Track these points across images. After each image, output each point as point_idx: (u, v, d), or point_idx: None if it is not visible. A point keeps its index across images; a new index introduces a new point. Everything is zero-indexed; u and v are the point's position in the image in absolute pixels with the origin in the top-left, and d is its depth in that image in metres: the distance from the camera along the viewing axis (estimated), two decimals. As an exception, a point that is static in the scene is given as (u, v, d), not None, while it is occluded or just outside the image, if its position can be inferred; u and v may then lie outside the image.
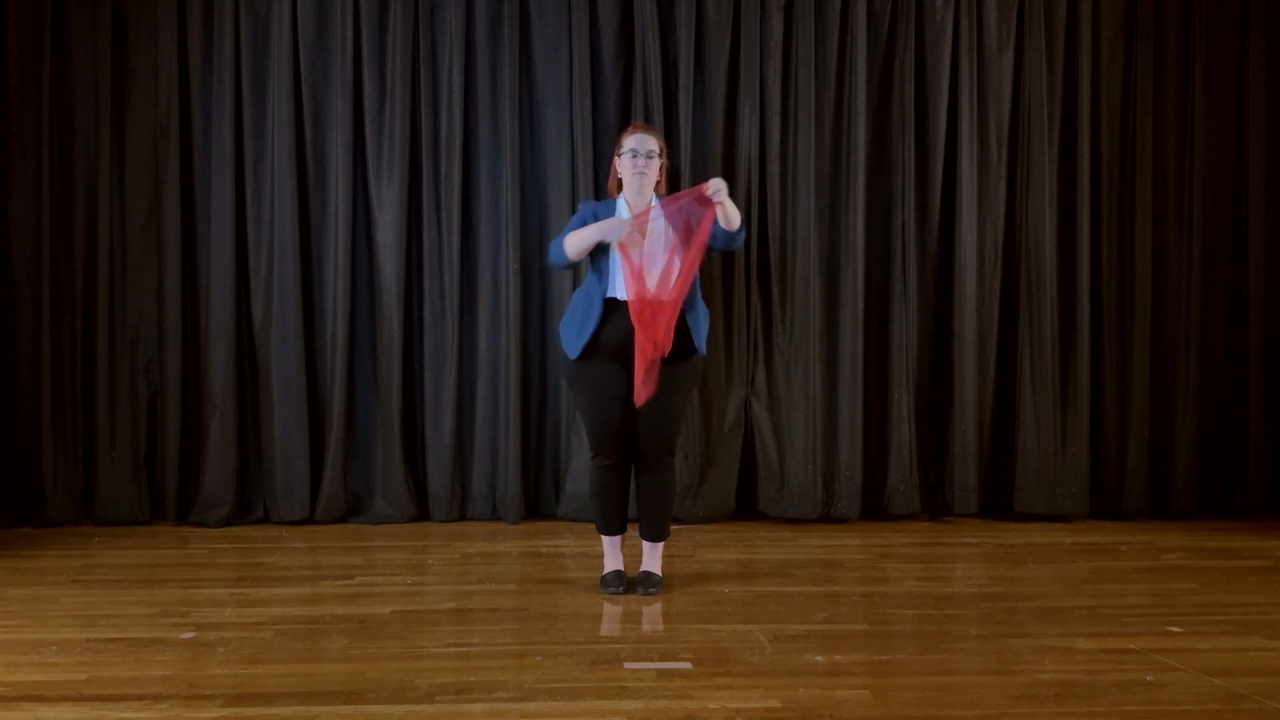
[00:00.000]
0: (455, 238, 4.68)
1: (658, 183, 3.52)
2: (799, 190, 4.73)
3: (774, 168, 4.73)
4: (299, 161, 4.65)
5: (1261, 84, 4.94)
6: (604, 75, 4.71)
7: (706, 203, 3.35)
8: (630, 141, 3.46)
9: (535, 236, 4.74)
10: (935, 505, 4.86)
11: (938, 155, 4.81)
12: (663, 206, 3.41)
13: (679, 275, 3.33)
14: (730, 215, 3.36)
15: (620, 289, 3.37)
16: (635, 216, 3.38)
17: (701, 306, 3.50)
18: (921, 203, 4.82)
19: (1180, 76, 4.95)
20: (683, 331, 3.41)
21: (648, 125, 3.66)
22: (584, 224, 3.44)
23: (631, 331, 3.33)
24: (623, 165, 3.47)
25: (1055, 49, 4.85)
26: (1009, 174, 4.86)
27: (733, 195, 4.69)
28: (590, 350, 3.40)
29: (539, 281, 4.75)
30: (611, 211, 3.47)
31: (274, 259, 4.62)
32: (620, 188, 3.52)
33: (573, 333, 3.44)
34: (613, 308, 3.39)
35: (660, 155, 3.48)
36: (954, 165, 4.81)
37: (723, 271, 4.71)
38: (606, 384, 3.41)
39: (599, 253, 3.42)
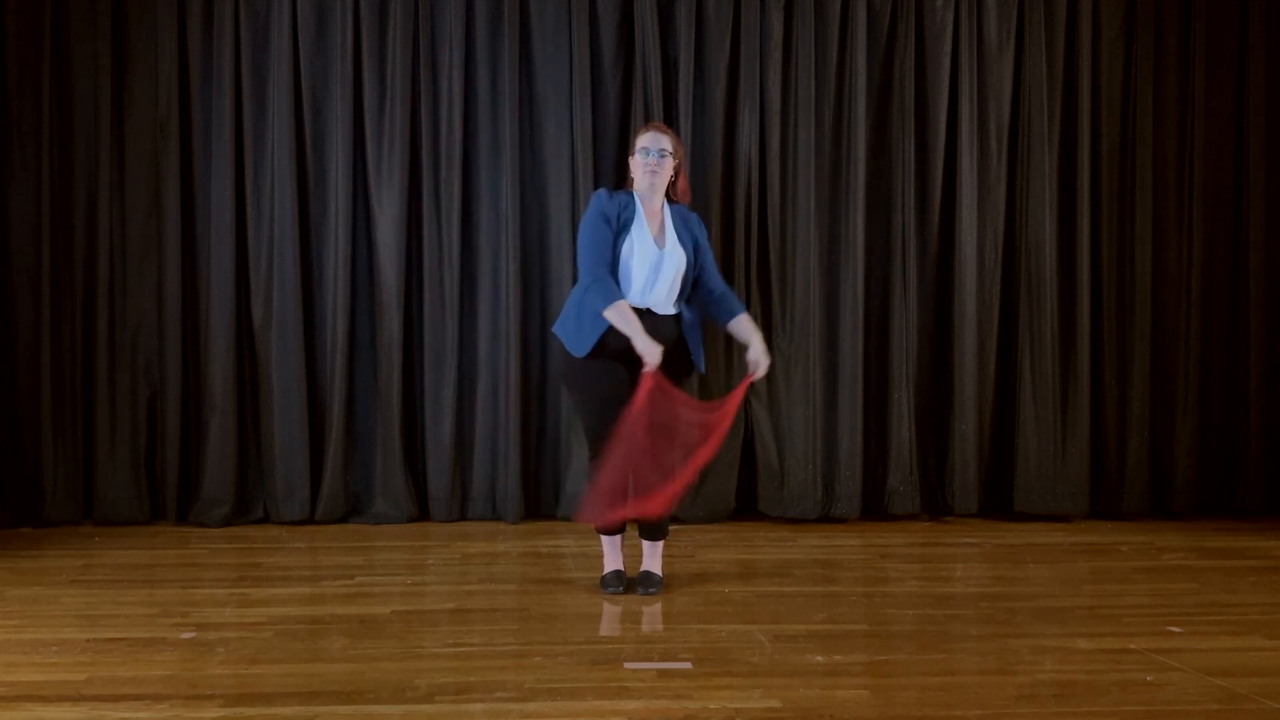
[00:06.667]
0: (455, 238, 4.67)
1: (672, 183, 3.53)
2: (799, 190, 4.73)
3: (774, 168, 4.73)
4: (299, 161, 4.64)
5: (1261, 84, 4.94)
6: (604, 75, 4.71)
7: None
8: (643, 140, 3.49)
9: (535, 236, 4.74)
10: (935, 505, 4.86)
11: (938, 155, 4.81)
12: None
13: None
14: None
15: (633, 295, 3.38)
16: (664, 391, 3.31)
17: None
18: (921, 203, 4.82)
19: (1180, 76, 4.95)
20: (681, 349, 3.47)
21: (662, 125, 3.66)
22: (603, 220, 3.39)
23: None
24: (635, 164, 3.50)
25: (1055, 49, 4.85)
26: (1009, 174, 4.86)
27: (732, 195, 4.73)
28: (597, 350, 3.40)
29: (539, 281, 4.75)
30: (629, 204, 3.45)
31: (274, 259, 4.62)
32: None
33: (583, 332, 3.40)
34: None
35: (674, 155, 3.48)
36: (954, 165, 4.81)
37: (723, 272, 4.69)
38: (608, 383, 3.40)
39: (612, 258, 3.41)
